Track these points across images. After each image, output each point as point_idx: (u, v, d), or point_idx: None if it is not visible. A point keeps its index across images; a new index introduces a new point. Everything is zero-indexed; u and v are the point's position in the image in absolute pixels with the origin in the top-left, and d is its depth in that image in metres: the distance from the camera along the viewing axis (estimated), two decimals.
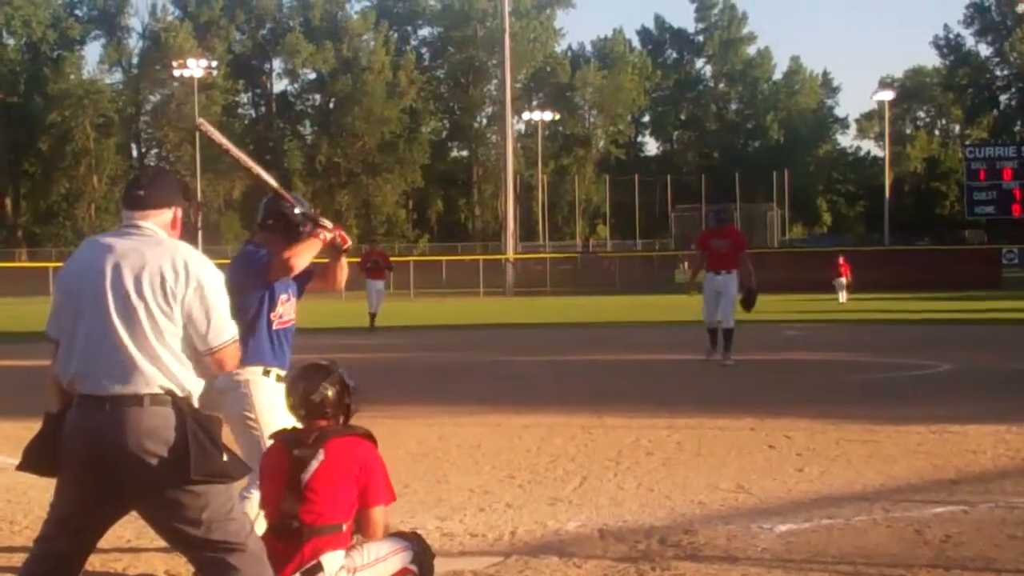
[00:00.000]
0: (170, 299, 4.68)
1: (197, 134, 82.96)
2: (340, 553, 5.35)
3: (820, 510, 8.03)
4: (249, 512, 5.75)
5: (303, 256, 6.58)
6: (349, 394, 5.70)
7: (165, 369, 4.67)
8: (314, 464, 5.39)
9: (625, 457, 10.30)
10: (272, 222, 6.83)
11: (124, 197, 5.01)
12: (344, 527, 5.39)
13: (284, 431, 5.66)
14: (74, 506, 4.76)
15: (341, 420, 5.67)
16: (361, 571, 5.39)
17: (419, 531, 6.26)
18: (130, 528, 6.84)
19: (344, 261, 6.95)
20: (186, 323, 4.70)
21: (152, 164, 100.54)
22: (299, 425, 5.67)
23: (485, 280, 66.61)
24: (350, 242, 6.86)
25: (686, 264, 19.12)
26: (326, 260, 6.93)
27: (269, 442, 5.80)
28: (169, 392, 4.67)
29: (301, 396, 5.63)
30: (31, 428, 4.95)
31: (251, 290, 6.49)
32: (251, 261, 6.63)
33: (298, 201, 6.81)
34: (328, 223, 6.68)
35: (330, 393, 5.62)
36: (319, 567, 5.27)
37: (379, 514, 5.54)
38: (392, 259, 34.08)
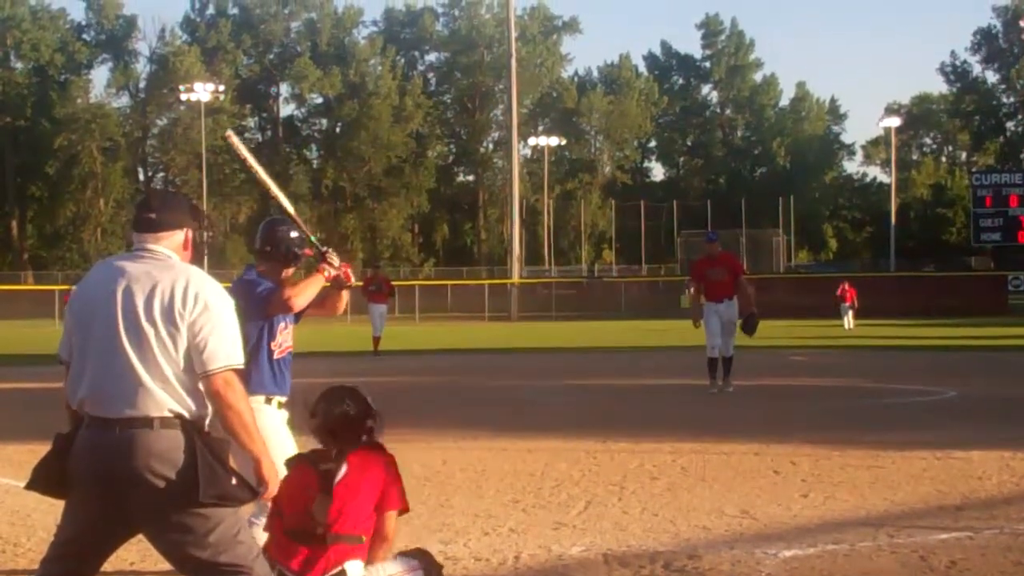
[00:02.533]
0: (178, 322, 4.70)
1: (203, 157, 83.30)
2: (360, 563, 5.38)
3: (825, 536, 8.01)
4: (257, 537, 5.76)
5: (304, 295, 6.61)
6: (372, 416, 5.73)
7: (175, 392, 4.68)
8: (339, 476, 5.45)
9: (629, 482, 10.28)
10: (270, 248, 6.86)
11: (134, 220, 5.02)
12: (364, 539, 5.43)
13: (302, 454, 5.71)
14: (81, 528, 4.76)
15: (364, 440, 5.71)
16: None
17: None
18: (134, 551, 6.83)
19: (345, 293, 6.97)
20: (189, 345, 4.70)
21: (159, 188, 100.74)
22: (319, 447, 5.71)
23: (490, 304, 66.62)
24: (353, 280, 6.87)
25: (691, 290, 19.08)
26: (327, 285, 6.93)
27: (280, 466, 5.82)
28: (178, 415, 4.68)
29: (324, 417, 5.66)
30: (34, 451, 4.97)
31: (250, 320, 6.50)
32: (250, 294, 6.62)
33: (309, 232, 6.84)
34: (335, 259, 6.67)
35: (353, 414, 5.66)
36: (343, 573, 5.32)
37: (391, 519, 5.58)
38: (397, 283, 34.15)
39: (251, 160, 6.13)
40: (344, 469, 5.49)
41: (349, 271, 6.79)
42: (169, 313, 4.70)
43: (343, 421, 5.64)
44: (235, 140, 5.91)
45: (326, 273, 6.63)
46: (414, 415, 16.16)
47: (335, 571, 5.30)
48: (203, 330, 4.72)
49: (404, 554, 5.77)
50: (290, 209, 6.63)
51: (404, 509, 5.71)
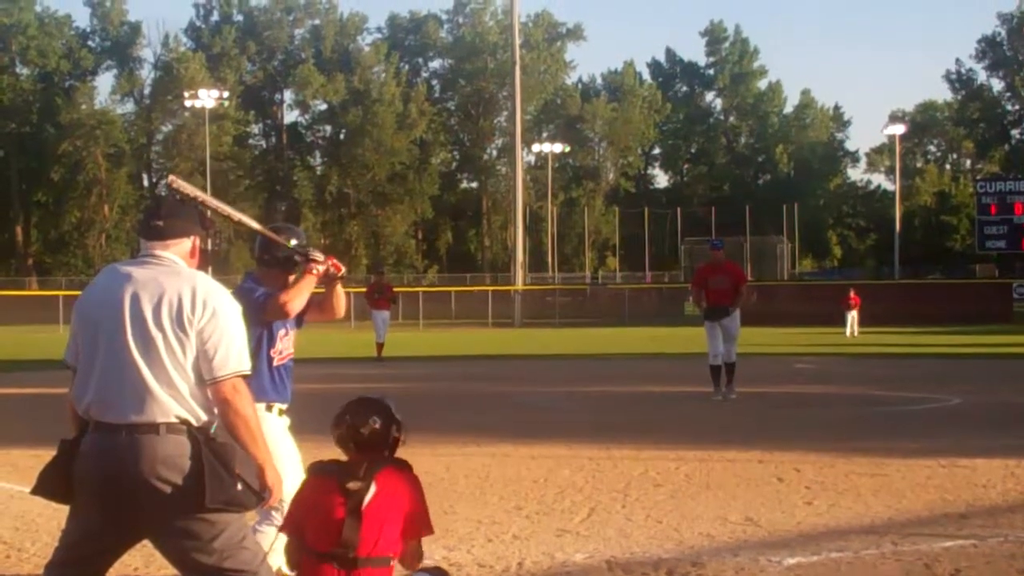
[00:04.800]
0: (187, 327, 4.71)
1: (206, 163, 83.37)
2: None
3: (829, 543, 8.01)
4: (262, 543, 5.75)
5: (299, 298, 6.61)
6: (398, 427, 5.70)
7: (181, 398, 4.69)
8: (368, 496, 5.40)
9: (633, 489, 10.28)
10: (267, 257, 6.88)
11: (142, 227, 5.04)
12: (392, 560, 5.40)
13: (324, 463, 5.63)
14: (86, 533, 4.76)
15: (387, 453, 5.67)
16: None
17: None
18: (138, 556, 6.83)
19: (340, 290, 6.95)
20: (198, 351, 4.71)
21: (164, 194, 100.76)
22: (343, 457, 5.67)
23: (494, 311, 66.60)
24: (344, 269, 6.85)
25: (702, 305, 19.14)
26: (322, 290, 6.93)
27: (284, 473, 5.80)
28: (185, 421, 4.69)
29: (349, 429, 5.62)
30: (39, 456, 4.98)
31: (249, 328, 6.50)
32: (248, 301, 6.61)
33: (294, 233, 6.82)
34: (319, 255, 6.67)
35: (378, 426, 5.63)
36: None
37: (417, 546, 5.57)
38: (401, 290, 34.17)
39: (203, 196, 6.09)
40: (373, 490, 5.44)
41: (335, 261, 6.78)
42: (178, 319, 4.71)
43: (369, 434, 5.61)
44: (181, 183, 5.89)
45: (314, 271, 6.64)
46: (417, 421, 16.09)
47: None
48: (212, 337, 4.73)
49: (423, 570, 5.75)
50: (257, 226, 6.61)
51: (430, 532, 5.70)
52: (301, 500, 5.55)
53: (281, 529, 5.68)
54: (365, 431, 5.58)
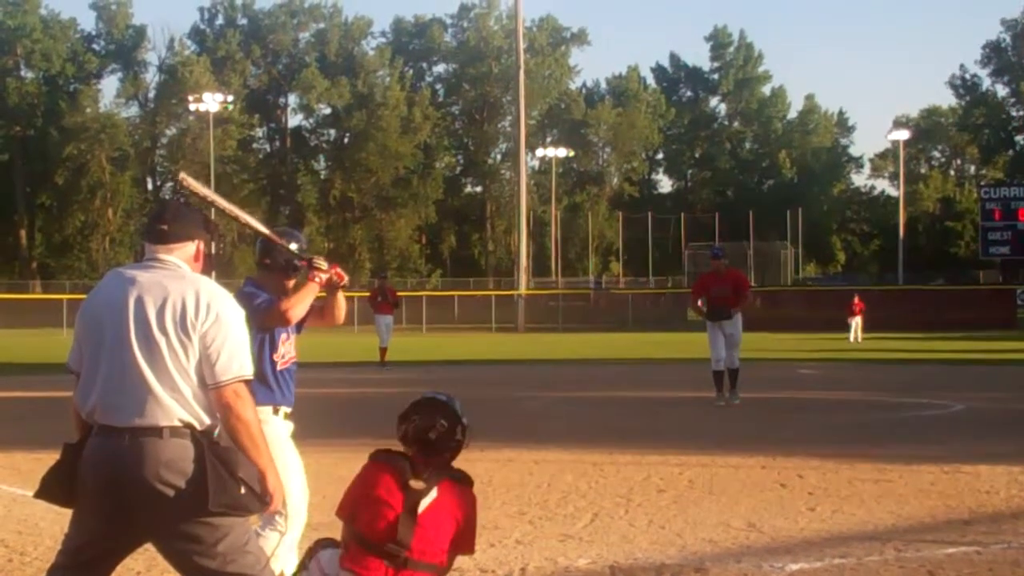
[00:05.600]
0: (190, 331, 4.71)
1: (210, 168, 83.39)
2: None
3: (832, 549, 8.00)
4: (265, 548, 5.75)
5: (300, 305, 6.61)
6: (463, 431, 5.67)
7: (185, 402, 4.69)
8: (427, 500, 5.37)
9: (636, 494, 10.27)
10: (269, 261, 6.88)
11: (146, 231, 5.04)
12: (437, 569, 5.37)
13: (390, 453, 5.56)
14: (89, 537, 4.77)
15: (449, 456, 5.64)
16: None
17: None
18: (140, 560, 6.83)
19: (341, 297, 6.95)
20: (201, 356, 4.71)
21: (168, 198, 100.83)
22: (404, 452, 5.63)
23: (497, 316, 66.62)
24: (347, 278, 6.84)
25: (700, 304, 19.12)
26: (323, 295, 6.93)
27: (286, 478, 5.79)
28: (188, 425, 4.69)
29: (417, 430, 5.56)
30: (41, 459, 4.98)
31: (251, 332, 6.48)
32: (249, 306, 6.59)
33: (294, 238, 6.82)
34: (323, 263, 6.66)
35: (444, 429, 5.59)
36: None
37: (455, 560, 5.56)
38: (404, 294, 34.17)
39: (212, 195, 6.09)
40: (433, 495, 5.40)
41: (339, 270, 6.78)
42: (182, 323, 4.71)
43: (435, 436, 5.57)
44: (190, 181, 5.88)
45: (317, 279, 6.63)
46: None
47: None
48: (215, 341, 4.73)
49: None
50: (263, 229, 6.60)
51: (472, 551, 5.68)
52: (361, 483, 5.50)
53: (337, 512, 5.61)
54: (432, 435, 5.54)
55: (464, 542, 5.49)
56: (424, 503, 5.35)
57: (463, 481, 5.55)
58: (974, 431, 15.54)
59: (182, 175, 5.94)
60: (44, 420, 15.35)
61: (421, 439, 5.53)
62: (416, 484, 5.39)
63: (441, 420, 5.57)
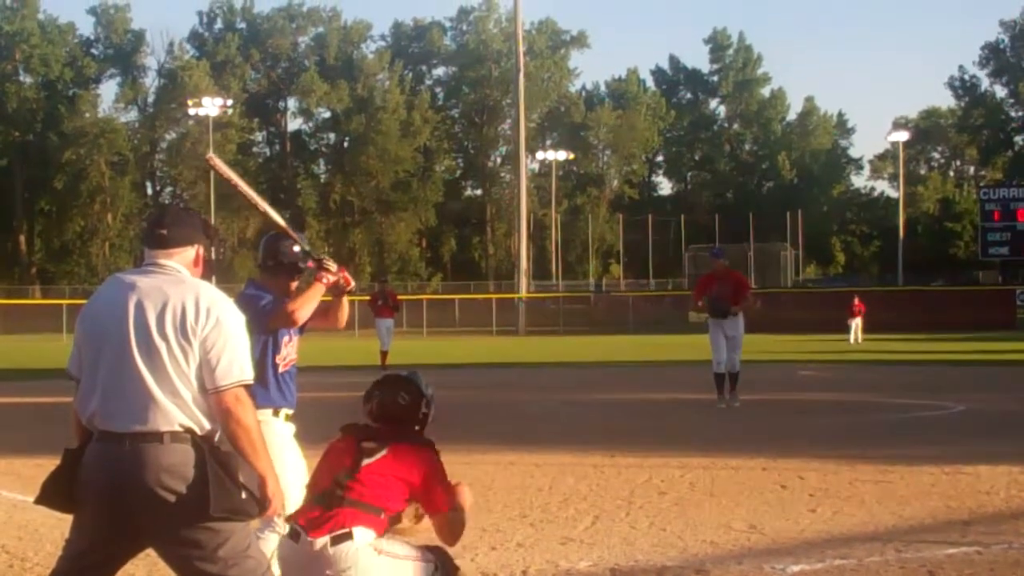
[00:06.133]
0: (190, 336, 4.71)
1: (211, 172, 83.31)
2: (371, 532, 5.36)
3: (833, 550, 8.01)
4: (265, 550, 5.75)
5: (307, 307, 6.61)
6: (427, 404, 5.75)
7: (185, 407, 4.69)
8: (376, 456, 5.45)
9: (637, 496, 10.28)
10: (272, 263, 6.87)
11: (146, 236, 5.04)
12: (383, 514, 5.40)
13: (356, 425, 5.69)
14: (90, 542, 4.77)
15: (417, 429, 5.73)
16: (384, 555, 5.38)
17: None
18: (141, 566, 6.83)
19: (345, 301, 6.96)
20: (201, 360, 4.71)
21: (168, 203, 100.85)
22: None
23: (498, 319, 66.65)
24: (353, 283, 6.85)
25: (700, 304, 19.10)
26: (328, 298, 6.93)
27: (287, 481, 5.82)
28: (188, 430, 4.68)
29: (380, 405, 5.67)
30: (42, 465, 4.99)
31: (253, 335, 6.48)
32: (253, 308, 6.58)
33: (303, 242, 6.83)
34: (333, 265, 6.66)
35: (406, 403, 5.68)
36: (349, 535, 5.28)
37: (455, 516, 5.58)
38: (405, 297, 34.20)
39: (237, 179, 6.11)
40: (383, 453, 5.49)
41: (347, 274, 6.78)
42: (182, 328, 4.71)
43: (398, 409, 5.67)
44: (217, 162, 5.89)
45: (325, 280, 6.63)
46: None
47: (340, 532, 5.29)
48: (215, 345, 4.73)
49: (424, 546, 5.75)
50: (281, 222, 6.61)
51: (455, 507, 5.69)
52: (324, 453, 5.67)
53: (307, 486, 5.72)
54: (393, 408, 5.64)
55: (430, 498, 5.54)
56: (373, 459, 5.44)
57: (422, 444, 5.60)
58: (974, 432, 15.54)
59: (210, 154, 5.97)
60: (44, 426, 15.35)
61: (386, 414, 5.65)
62: (368, 444, 5.49)
63: (403, 393, 5.67)
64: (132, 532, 4.72)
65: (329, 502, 5.38)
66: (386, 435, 5.59)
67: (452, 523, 5.61)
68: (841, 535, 8.56)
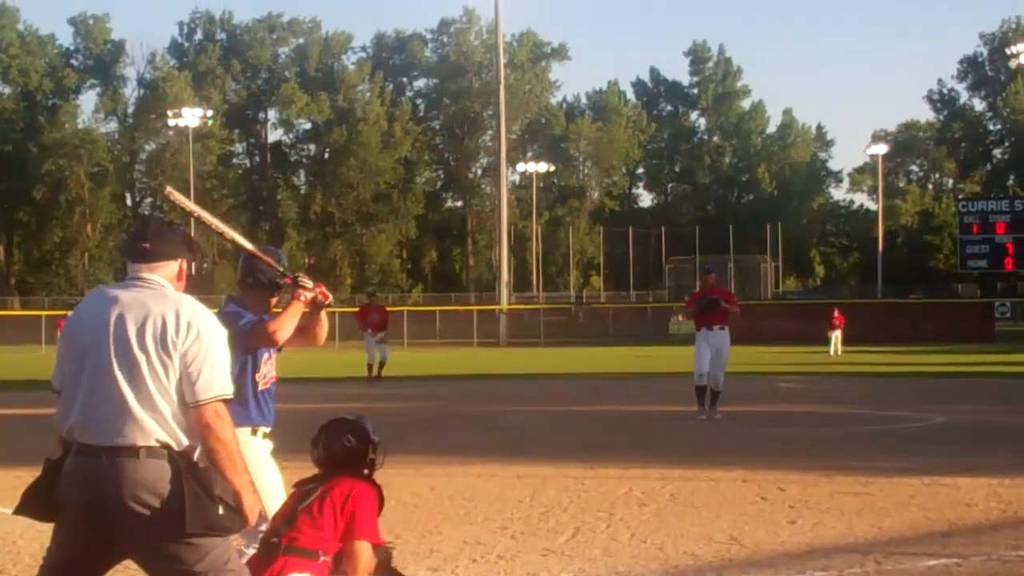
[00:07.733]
0: (171, 350, 4.68)
1: (188, 186, 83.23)
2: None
3: (813, 562, 8.02)
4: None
5: (287, 326, 6.57)
6: (374, 448, 5.71)
7: (164, 422, 4.66)
8: (311, 498, 5.45)
9: (618, 508, 10.28)
10: (251, 280, 6.85)
11: (128, 250, 5.01)
12: (320, 556, 5.40)
13: (303, 479, 5.74)
14: (69, 553, 4.75)
15: (366, 472, 5.69)
16: None
17: None
18: None
19: (323, 317, 6.90)
20: (181, 374, 4.69)
21: (148, 215, 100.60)
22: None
23: (479, 330, 66.59)
24: (331, 298, 6.81)
25: (681, 317, 19.19)
26: (307, 311, 6.89)
27: (265, 498, 5.82)
28: (166, 445, 4.66)
29: (324, 449, 5.65)
30: (21, 477, 4.97)
31: (233, 352, 6.44)
32: (233, 327, 6.55)
33: (275, 255, 6.80)
34: (308, 282, 6.63)
35: (352, 446, 5.65)
36: None
37: (362, 548, 5.53)
38: (386, 308, 34.11)
39: (198, 210, 6.05)
40: (317, 493, 5.49)
41: (324, 289, 6.75)
42: (162, 342, 4.69)
43: (344, 453, 5.64)
44: (176, 195, 5.86)
45: (302, 297, 6.60)
46: (402, 441, 16.11)
47: None
48: (196, 360, 4.70)
49: None
50: (249, 245, 6.57)
51: (375, 543, 5.64)
52: (279, 511, 5.66)
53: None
54: (338, 451, 5.62)
55: (358, 526, 5.54)
56: (308, 500, 5.45)
57: (361, 479, 5.60)
58: (954, 444, 15.58)
59: (168, 188, 5.94)
60: (24, 437, 15.28)
61: (332, 457, 5.62)
62: (306, 488, 5.50)
63: (348, 436, 5.65)
64: (110, 545, 4.70)
65: (268, 550, 5.37)
66: (325, 477, 5.58)
67: (353, 556, 5.55)
68: (821, 547, 8.57)
